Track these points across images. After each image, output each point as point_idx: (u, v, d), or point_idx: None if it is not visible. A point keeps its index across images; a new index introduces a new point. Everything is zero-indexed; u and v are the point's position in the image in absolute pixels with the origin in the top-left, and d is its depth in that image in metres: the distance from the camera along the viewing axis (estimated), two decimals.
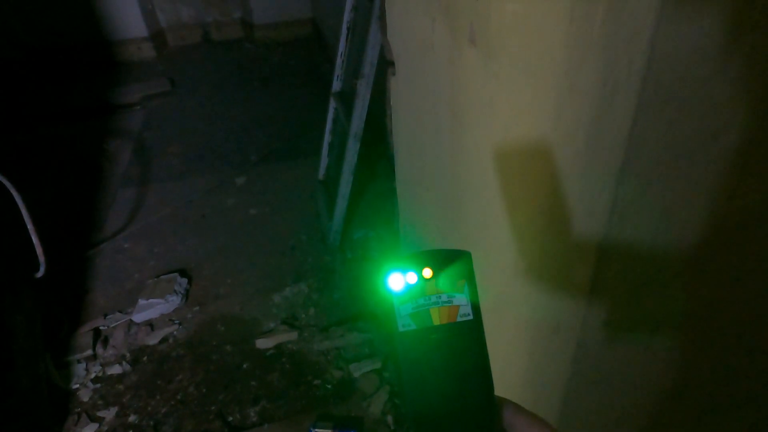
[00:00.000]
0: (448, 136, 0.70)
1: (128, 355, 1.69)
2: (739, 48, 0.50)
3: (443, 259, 0.34)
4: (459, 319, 0.33)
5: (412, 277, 0.33)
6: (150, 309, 1.81)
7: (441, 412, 0.33)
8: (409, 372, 0.33)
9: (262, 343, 1.68)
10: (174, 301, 1.84)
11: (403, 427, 1.42)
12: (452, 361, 0.33)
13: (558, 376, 0.79)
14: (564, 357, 0.76)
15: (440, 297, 0.33)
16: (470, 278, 0.34)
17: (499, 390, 0.35)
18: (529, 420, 0.33)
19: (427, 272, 0.33)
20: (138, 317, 1.79)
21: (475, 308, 0.34)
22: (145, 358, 1.68)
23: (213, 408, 1.51)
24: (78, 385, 1.61)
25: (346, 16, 1.82)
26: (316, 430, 1.60)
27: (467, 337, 0.33)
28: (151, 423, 1.49)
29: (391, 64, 0.92)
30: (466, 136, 0.64)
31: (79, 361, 1.67)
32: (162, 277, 1.95)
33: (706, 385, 0.94)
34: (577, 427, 0.84)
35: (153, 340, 1.73)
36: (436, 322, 0.33)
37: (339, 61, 1.93)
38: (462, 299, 0.33)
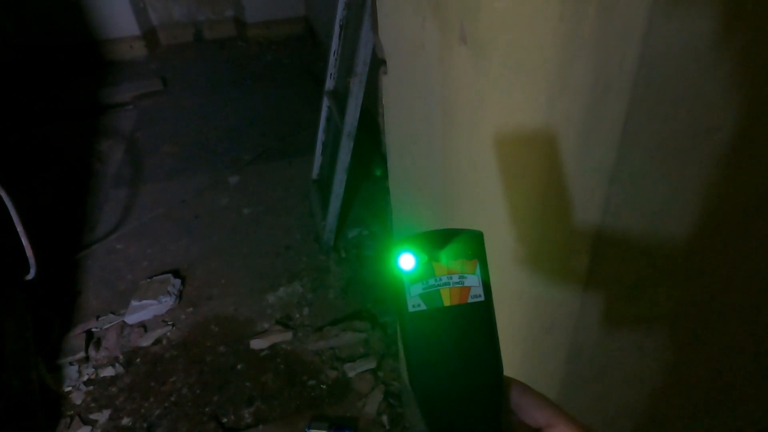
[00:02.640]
0: (440, 134, 0.70)
1: (121, 357, 1.68)
2: (731, 45, 0.50)
3: (455, 238, 0.33)
4: (470, 300, 0.33)
5: (423, 257, 0.33)
6: (143, 310, 1.80)
7: (449, 392, 0.33)
8: (417, 352, 0.33)
9: (256, 344, 1.67)
10: (167, 302, 1.83)
11: (398, 426, 1.42)
12: (462, 342, 0.33)
13: (552, 375, 0.79)
14: (557, 356, 0.76)
15: (451, 277, 0.33)
16: (482, 258, 0.33)
17: None
18: (537, 400, 0.33)
19: (439, 252, 0.33)
20: (131, 319, 1.78)
21: (487, 289, 0.33)
22: (138, 360, 1.67)
23: (207, 409, 1.50)
24: (70, 388, 1.59)
25: (339, 14, 1.81)
26: (312, 430, 1.59)
27: (478, 318, 0.33)
28: (145, 425, 1.48)
29: (383, 62, 0.91)
30: (458, 134, 0.64)
31: (71, 364, 1.65)
32: (155, 278, 1.93)
33: (700, 382, 0.94)
34: None
35: (146, 341, 1.72)
36: (447, 303, 0.33)
37: (332, 59, 1.92)
38: (474, 280, 0.33)
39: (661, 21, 0.46)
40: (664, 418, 0.99)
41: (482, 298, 0.33)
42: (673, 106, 0.53)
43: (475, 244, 0.33)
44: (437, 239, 0.33)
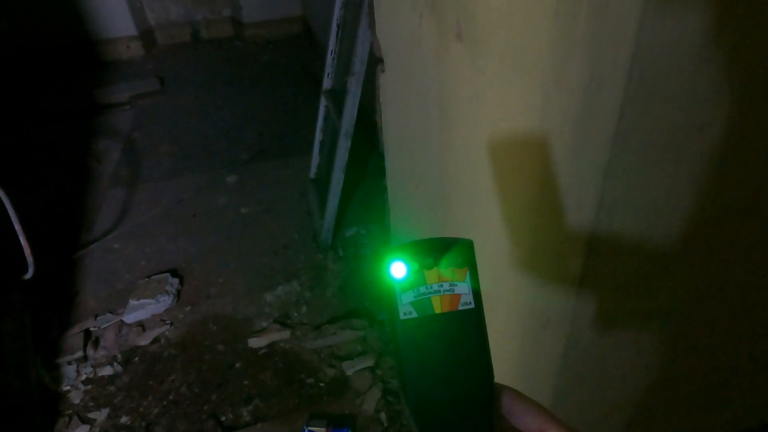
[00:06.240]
0: (437, 132, 0.70)
1: (119, 356, 1.68)
2: (723, 43, 0.50)
3: (446, 247, 0.34)
4: (460, 307, 0.33)
5: (414, 265, 0.33)
6: (141, 309, 1.80)
7: (440, 399, 0.33)
8: (409, 360, 0.33)
9: (254, 342, 1.68)
10: (165, 301, 1.83)
11: (396, 424, 1.42)
12: (453, 349, 0.33)
13: (548, 370, 0.79)
14: (554, 351, 0.77)
15: (442, 285, 0.33)
16: (472, 266, 0.34)
17: None
18: (528, 406, 0.33)
19: (430, 260, 0.33)
20: (129, 318, 1.78)
21: (477, 296, 0.34)
22: (136, 359, 1.67)
23: (206, 408, 1.51)
24: (69, 387, 1.59)
25: (336, 14, 1.81)
26: (310, 428, 1.59)
27: (468, 326, 0.33)
28: (144, 424, 1.48)
29: (380, 60, 0.91)
30: (454, 132, 0.64)
31: (69, 363, 1.65)
32: (153, 277, 1.93)
33: (695, 377, 0.95)
34: (566, 421, 0.84)
35: (144, 340, 1.72)
36: (438, 310, 0.33)
37: (329, 58, 1.92)
38: (464, 287, 0.33)
39: (654, 19, 0.47)
40: (660, 413, 0.99)
41: (472, 306, 0.34)
42: (666, 103, 0.54)
43: (465, 253, 0.34)
44: (428, 248, 0.34)
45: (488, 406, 0.34)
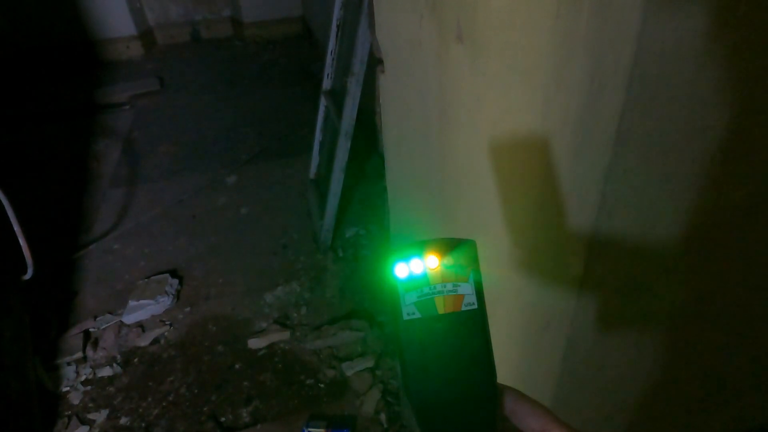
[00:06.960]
0: (437, 133, 0.70)
1: (119, 356, 1.68)
2: (725, 44, 0.50)
3: (449, 247, 0.34)
4: (464, 308, 0.33)
5: (417, 266, 0.33)
6: (140, 310, 1.79)
7: (443, 400, 0.33)
8: (412, 360, 0.33)
9: (254, 343, 1.67)
10: (165, 301, 1.82)
11: (396, 425, 1.42)
12: (456, 350, 0.33)
13: (548, 373, 0.79)
14: (554, 354, 0.76)
15: (445, 286, 0.33)
16: (475, 267, 0.34)
17: None
18: (531, 407, 0.33)
19: (433, 261, 0.33)
20: (128, 318, 1.78)
21: (480, 297, 0.34)
22: (136, 360, 1.67)
23: (205, 409, 1.51)
24: (68, 388, 1.59)
25: (336, 14, 1.81)
26: (309, 429, 1.59)
27: (471, 326, 0.33)
28: (143, 425, 1.48)
29: (380, 61, 0.91)
30: (455, 133, 0.64)
31: (68, 364, 1.65)
32: (152, 277, 1.93)
33: (695, 379, 0.95)
34: (567, 422, 0.84)
35: (144, 341, 1.72)
36: (441, 310, 0.33)
37: (329, 59, 1.92)
38: (467, 288, 0.33)
39: (655, 20, 0.46)
40: (660, 415, 0.99)
41: (475, 306, 0.33)
42: (667, 105, 0.53)
43: (469, 253, 0.34)
44: (432, 248, 0.34)
45: (491, 407, 0.33)
